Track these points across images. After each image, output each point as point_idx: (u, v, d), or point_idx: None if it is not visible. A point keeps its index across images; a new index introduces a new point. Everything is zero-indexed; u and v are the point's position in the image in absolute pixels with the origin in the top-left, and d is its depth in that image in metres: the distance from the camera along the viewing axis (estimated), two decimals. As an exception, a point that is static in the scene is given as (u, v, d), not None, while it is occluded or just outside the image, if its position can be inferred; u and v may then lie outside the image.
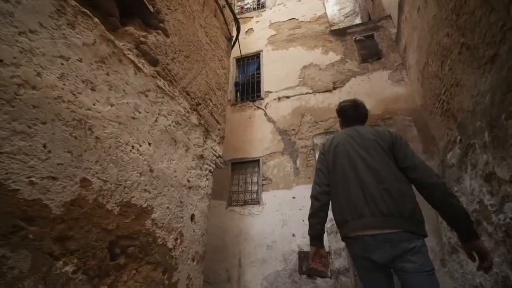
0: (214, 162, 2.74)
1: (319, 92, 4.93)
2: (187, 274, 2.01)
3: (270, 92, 5.30)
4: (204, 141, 2.61)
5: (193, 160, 2.35)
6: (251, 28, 6.44)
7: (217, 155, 2.85)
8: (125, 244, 1.49)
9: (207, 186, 2.53)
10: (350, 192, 1.27)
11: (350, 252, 1.28)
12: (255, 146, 4.82)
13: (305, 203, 4.01)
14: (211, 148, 2.73)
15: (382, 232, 1.14)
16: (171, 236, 1.89)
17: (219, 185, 4.60)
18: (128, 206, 1.54)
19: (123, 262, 1.47)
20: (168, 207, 1.89)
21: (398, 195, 1.18)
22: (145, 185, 1.70)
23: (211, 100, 2.88)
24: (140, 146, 1.73)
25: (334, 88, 4.88)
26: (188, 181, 2.22)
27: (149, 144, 1.81)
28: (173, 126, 2.12)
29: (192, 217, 2.19)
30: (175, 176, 2.05)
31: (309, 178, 4.22)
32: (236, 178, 4.73)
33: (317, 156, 4.15)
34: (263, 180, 4.47)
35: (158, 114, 1.96)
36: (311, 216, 1.37)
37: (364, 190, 1.24)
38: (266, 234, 3.99)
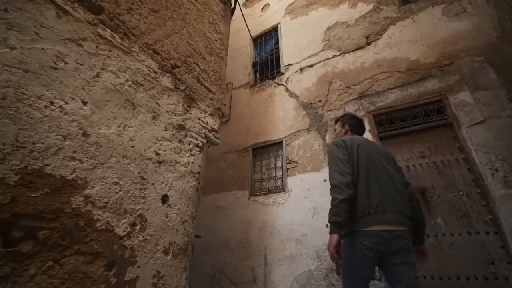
0: (204, 135, 2.25)
1: (348, 52, 4.02)
2: (155, 270, 1.54)
3: (291, 64, 4.61)
4: (186, 110, 2.14)
5: (165, 130, 1.90)
6: (267, 4, 5.83)
7: (209, 128, 2.35)
8: (32, 226, 1.10)
9: (192, 163, 2.05)
10: (372, 188, 1.37)
11: (355, 245, 1.30)
12: (277, 127, 4.19)
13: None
14: (198, 119, 2.25)
15: (397, 228, 1.31)
16: (124, 221, 1.45)
17: (240, 174, 4.12)
18: (39, 176, 1.15)
19: (28, 250, 1.07)
20: (116, 183, 1.46)
21: (406, 199, 1.44)
22: (73, 152, 1.30)
23: (197, 65, 2.41)
24: (67, 103, 1.34)
25: (368, 43, 3.91)
26: (157, 154, 1.78)
27: (84, 102, 1.42)
28: (129, 86, 1.70)
29: (165, 198, 1.73)
30: (132, 146, 1.62)
31: (343, 155, 3.38)
32: (258, 165, 4.17)
33: None
34: (287, 163, 3.80)
35: (102, 69, 1.56)
36: (343, 202, 1.32)
37: (384, 189, 1.38)
38: (294, 226, 3.31)
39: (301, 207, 3.38)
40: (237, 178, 4.17)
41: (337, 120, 1.93)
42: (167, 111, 1.95)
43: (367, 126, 3.29)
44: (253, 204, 3.82)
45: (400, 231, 1.30)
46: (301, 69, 4.41)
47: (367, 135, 3.20)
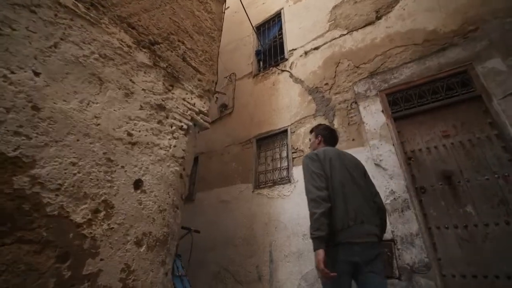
0: (190, 118, 2.05)
1: (356, 30, 3.66)
2: (124, 264, 1.34)
3: (295, 49, 4.31)
4: (168, 89, 1.95)
5: (141, 109, 1.71)
6: (270, -10, 5.57)
7: (197, 110, 2.14)
8: (-42, 209, 0.93)
9: (174, 146, 1.85)
10: (348, 201, 1.41)
11: (337, 258, 1.31)
12: (282, 115, 3.91)
13: (350, 174, 2.87)
14: (183, 99, 2.04)
15: (373, 240, 1.38)
16: (84, 206, 1.26)
17: (244, 167, 3.90)
18: (-31, 151, 0.99)
19: (-48, 237, 0.91)
20: (74, 163, 1.28)
21: (375, 210, 1.51)
22: (18, 127, 1.14)
23: (182, 43, 2.22)
24: (12, 73, 1.18)
25: (378, 18, 3.53)
26: (129, 134, 1.59)
27: (36, 73, 1.26)
28: (95, 59, 1.53)
29: (138, 183, 1.54)
30: (97, 124, 1.44)
31: (353, 140, 3.05)
32: (263, 156, 3.91)
33: (361, 110, 2.99)
34: (293, 153, 3.52)
35: (61, 39, 1.40)
36: (323, 215, 1.32)
37: (359, 201, 1.44)
38: (301, 220, 3.02)
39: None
40: (241, 171, 3.95)
41: (311, 131, 1.96)
42: (143, 89, 1.76)
43: (379, 107, 2.94)
44: (258, 197, 3.57)
45: (374, 242, 1.39)
46: (306, 53, 4.10)
47: (380, 116, 2.86)
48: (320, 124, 1.95)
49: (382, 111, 2.90)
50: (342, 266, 1.28)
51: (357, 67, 3.42)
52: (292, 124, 3.71)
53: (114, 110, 1.56)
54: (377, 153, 2.76)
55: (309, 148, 2.33)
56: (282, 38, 4.70)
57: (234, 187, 3.87)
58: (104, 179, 1.38)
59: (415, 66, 2.91)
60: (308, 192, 1.45)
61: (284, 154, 3.69)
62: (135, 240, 1.42)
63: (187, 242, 4.00)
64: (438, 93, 2.70)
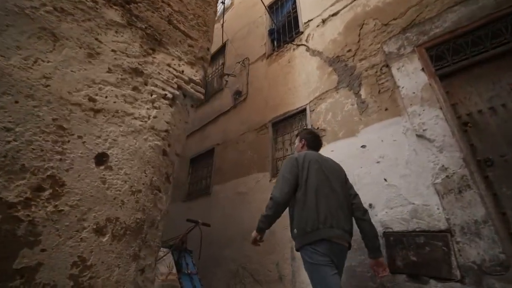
0: (176, 86, 1.73)
1: (383, -17, 3.06)
2: (77, 257, 1.04)
3: (311, 20, 3.81)
4: (147, 53, 1.64)
5: (110, 72, 1.42)
6: (282, -35, 5.12)
7: (186, 78, 1.81)
8: None
9: (155, 117, 1.53)
10: (320, 205, 1.50)
11: (311, 254, 1.44)
12: (299, 93, 3.45)
13: (385, 151, 2.34)
14: (168, 65, 1.73)
15: (341, 243, 1.50)
16: (20, 182, 0.99)
17: (260, 154, 3.52)
18: None
19: None
20: (9, 129, 1.01)
21: (349, 216, 1.61)
22: None
23: (168, 5, 1.91)
24: None
25: (410, -37, 2.89)
26: (92, 99, 1.30)
27: (-40, 21, 1.02)
28: (47, 12, 1.27)
29: (101, 158, 1.24)
30: (47, 86, 1.17)
31: (386, 109, 2.48)
32: (280, 141, 3.49)
33: (394, 73, 2.44)
34: (313, 133, 3.03)
35: (-1, -15, 1.16)
36: (273, 217, 1.58)
37: (331, 206, 1.52)
38: (326, 209, 2.53)
39: (334, 185, 2.59)
40: (257, 159, 3.57)
41: (297, 135, 2.07)
42: (113, 50, 1.47)
43: (417, 65, 2.35)
44: (276, 186, 3.15)
45: (343, 245, 1.50)
46: (324, 21, 3.58)
47: (419, 76, 2.27)
48: (304, 129, 2.16)
49: (422, 69, 2.30)
50: (318, 257, 1.42)
51: (386, 24, 2.83)
52: (311, 101, 3.23)
53: (72, 71, 1.28)
54: (419, 122, 2.17)
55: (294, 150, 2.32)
56: (296, 11, 4.23)
57: (250, 177, 3.50)
58: (52, 150, 1.10)
59: (463, 9, 2.26)
60: (272, 192, 1.60)
61: (303, 136, 3.21)
62: (94, 227, 1.12)
63: (204, 237, 3.73)
64: (500, 36, 2.04)
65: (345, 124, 2.75)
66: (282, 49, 4.07)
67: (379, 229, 2.14)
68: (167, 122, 1.58)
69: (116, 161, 1.28)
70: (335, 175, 1.69)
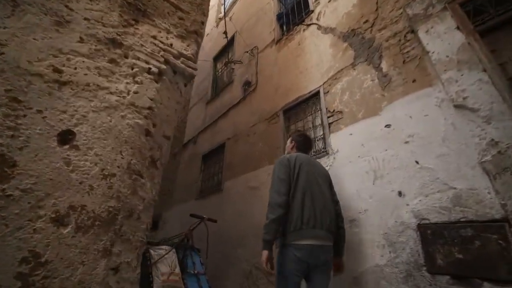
0: (163, 60, 1.52)
1: None
2: (28, 251, 0.85)
3: (322, -4, 3.48)
4: (128, 23, 1.45)
5: (81, 42, 1.24)
6: None
7: (175, 52, 1.60)
8: None
9: (136, 93, 1.33)
10: (305, 206, 1.52)
11: (289, 256, 1.43)
12: (311, 76, 3.13)
13: (415, 129, 1.98)
14: (153, 37, 1.53)
15: (324, 243, 1.50)
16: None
17: (271, 145, 3.26)
18: None
19: None
20: None
21: (333, 217, 1.63)
22: None
23: (154, -25, 1.72)
24: None
25: None
26: (57, 71, 1.12)
27: None
28: (5, -26, 1.12)
29: (66, 136, 1.05)
30: (1, 54, 1.01)
31: (414, 81, 2.11)
32: (293, 129, 3.18)
33: (421, 37, 2.11)
34: (329, 117, 2.71)
35: None
36: (274, 221, 1.46)
37: (316, 207, 1.55)
38: (346, 201, 2.21)
39: (354, 172, 2.25)
40: (268, 151, 3.30)
41: (290, 135, 2.10)
42: (86, 18, 1.30)
43: (451, 23, 1.96)
44: (289, 178, 2.86)
45: (325, 246, 1.51)
46: (336, -5, 3.24)
47: (454, 36, 1.89)
48: (297, 131, 2.11)
49: (457, 27, 1.90)
50: (292, 263, 1.41)
51: (409, -15, 2.44)
52: (325, 83, 2.91)
53: (35, 39, 1.11)
54: (457, 89, 1.78)
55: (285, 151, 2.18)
56: (305, -10, 3.91)
57: (261, 171, 3.24)
58: (3, 125, 0.93)
59: (509, -50, 1.84)
60: (269, 196, 1.57)
61: (318, 121, 2.90)
62: (53, 216, 0.93)
63: (216, 236, 3.54)
64: (562, -27, 1.61)
65: (365, 103, 2.40)
66: (292, 32, 3.77)
67: (412, 221, 1.79)
68: (151, 99, 1.37)
69: (84, 139, 1.09)
70: (322, 179, 1.73)
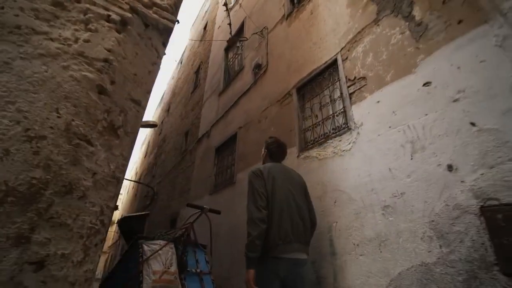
0: (129, 8, 1.23)
1: None
2: None
3: (335, -45, 3.02)
4: (84, -35, 1.19)
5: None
6: None
7: (146, 0, 1.31)
8: None
9: (87, 41, 1.05)
10: (283, 220, 1.50)
11: (265, 271, 1.43)
12: (326, 44, 2.70)
13: (466, 82, 1.50)
14: (118, -17, 1.25)
15: (300, 257, 1.50)
16: None
17: (284, 128, 2.89)
18: None
19: None
20: None
21: (309, 229, 1.63)
22: None
23: None
24: None
25: None
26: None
27: None
28: None
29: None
30: None
31: (460, 22, 1.61)
32: (308, 107, 2.77)
33: None
34: (349, 86, 2.26)
35: None
36: (257, 238, 1.41)
37: (293, 220, 1.54)
38: (377, 183, 1.75)
39: (385, 147, 1.79)
40: (280, 134, 2.90)
41: (266, 141, 1.99)
42: (24, -46, 1.04)
43: None
44: (305, 162, 2.45)
45: (301, 259, 1.51)
46: (351, -51, 2.77)
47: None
48: (270, 137, 1.99)
49: None
50: (269, 277, 1.42)
51: None
52: (342, 48, 2.45)
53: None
54: (530, 17, 1.27)
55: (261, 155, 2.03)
56: (317, -45, 3.47)
57: (275, 157, 2.87)
58: None
59: None
60: (248, 211, 1.52)
61: (336, 94, 2.46)
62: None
63: (229, 231, 3.22)
64: None
65: (395, 62, 1.92)
66: (303, 3, 3.35)
67: (471, 203, 1.30)
68: (108, 50, 1.09)
69: (4, 91, 0.81)
70: (297, 189, 1.71)
